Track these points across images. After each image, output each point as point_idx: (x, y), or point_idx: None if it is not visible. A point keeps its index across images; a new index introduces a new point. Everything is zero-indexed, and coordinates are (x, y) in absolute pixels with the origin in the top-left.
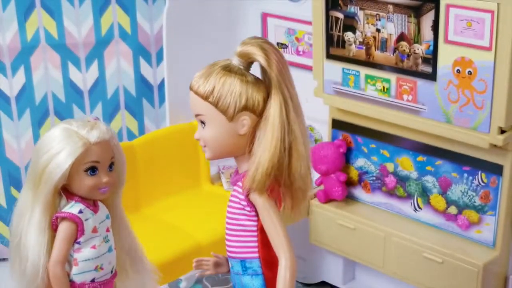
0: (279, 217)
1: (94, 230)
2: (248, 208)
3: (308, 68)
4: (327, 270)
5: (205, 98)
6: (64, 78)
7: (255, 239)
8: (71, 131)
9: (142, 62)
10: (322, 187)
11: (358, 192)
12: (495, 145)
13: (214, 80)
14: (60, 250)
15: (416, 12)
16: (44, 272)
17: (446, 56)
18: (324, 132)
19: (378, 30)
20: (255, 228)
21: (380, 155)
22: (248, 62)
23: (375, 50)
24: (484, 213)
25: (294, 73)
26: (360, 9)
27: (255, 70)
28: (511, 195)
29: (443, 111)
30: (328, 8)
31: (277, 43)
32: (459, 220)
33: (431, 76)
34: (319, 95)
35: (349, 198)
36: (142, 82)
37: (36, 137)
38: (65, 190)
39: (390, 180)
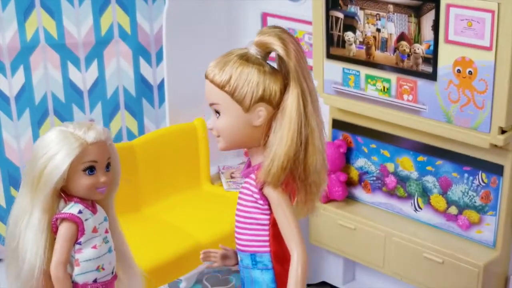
0: (293, 212)
1: (94, 230)
2: (261, 202)
3: (308, 68)
4: (327, 270)
5: (221, 87)
6: (63, 78)
7: (267, 233)
8: (67, 133)
9: (142, 62)
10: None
11: (359, 192)
12: (495, 145)
13: (231, 69)
14: (61, 251)
15: (417, 12)
16: (39, 273)
17: (447, 56)
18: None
19: (378, 30)
20: (267, 222)
21: (381, 155)
22: (266, 52)
23: (376, 50)
24: (484, 213)
25: None
26: (360, 9)
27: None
28: None
29: (444, 111)
30: (328, 8)
31: None
32: (459, 220)
33: (432, 76)
34: (319, 95)
35: (349, 198)
36: (142, 82)
37: (35, 137)
38: (63, 192)
39: (391, 180)
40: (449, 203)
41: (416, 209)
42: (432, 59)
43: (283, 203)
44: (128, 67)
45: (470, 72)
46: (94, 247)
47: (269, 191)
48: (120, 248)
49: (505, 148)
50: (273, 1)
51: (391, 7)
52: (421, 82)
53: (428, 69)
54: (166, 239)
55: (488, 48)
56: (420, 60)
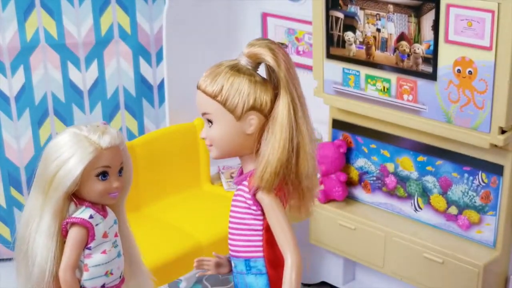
0: (286, 216)
1: (105, 235)
2: (254, 207)
3: (308, 68)
4: (327, 270)
5: (213, 97)
6: (63, 78)
7: (260, 238)
8: (81, 136)
9: (142, 62)
10: (322, 187)
11: (359, 192)
12: (495, 145)
13: (222, 79)
14: (70, 256)
15: (417, 11)
16: (50, 277)
17: (447, 56)
18: (324, 132)
19: (378, 30)
20: (260, 228)
21: (381, 155)
22: (256, 62)
23: (376, 50)
24: (484, 213)
25: None
26: (360, 8)
27: (261, 72)
28: None
29: (444, 111)
30: (328, 8)
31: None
32: (459, 220)
33: (432, 76)
34: (319, 95)
35: (350, 198)
36: (142, 82)
37: (35, 137)
38: (74, 196)
39: (391, 180)
40: (449, 203)
41: (416, 209)
42: (432, 59)
43: (276, 208)
44: (128, 67)
45: (470, 72)
46: (104, 252)
47: (262, 197)
48: (129, 251)
49: (505, 148)
50: (273, 1)
51: (391, 7)
52: (421, 82)
53: (428, 69)
54: (166, 239)
55: (488, 48)
56: (420, 60)
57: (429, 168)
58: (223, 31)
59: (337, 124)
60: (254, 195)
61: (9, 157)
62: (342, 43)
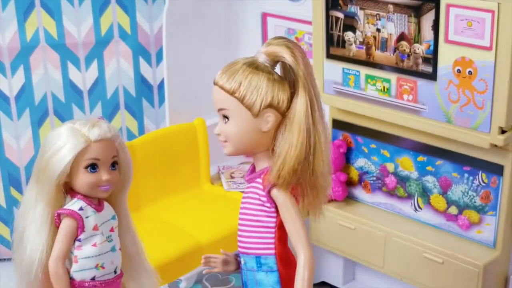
0: (300, 215)
1: (95, 228)
2: (268, 205)
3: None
4: (327, 270)
5: (231, 93)
6: (63, 78)
7: (273, 235)
8: (74, 129)
9: (142, 62)
10: None
11: (359, 192)
12: (495, 145)
13: (241, 76)
14: (60, 247)
15: (416, 11)
16: (39, 266)
17: (447, 56)
18: None
19: (378, 30)
20: (273, 225)
21: (381, 155)
22: (274, 60)
23: (375, 50)
24: (484, 213)
25: None
26: (360, 8)
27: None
28: None
29: (444, 111)
30: (328, 8)
31: None
32: (459, 220)
33: (432, 76)
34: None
35: (350, 198)
36: (142, 82)
37: (35, 137)
38: (71, 190)
39: (391, 180)
40: (449, 203)
41: (416, 209)
42: (432, 59)
43: (290, 205)
44: (128, 67)
45: (470, 72)
46: (94, 245)
47: (277, 194)
48: (130, 249)
49: (505, 148)
50: (273, 1)
51: (391, 7)
52: (421, 82)
53: (428, 69)
54: (166, 239)
55: (488, 48)
56: (420, 60)
57: (429, 168)
58: (223, 31)
59: (337, 124)
60: (268, 192)
61: (9, 157)
62: (342, 43)
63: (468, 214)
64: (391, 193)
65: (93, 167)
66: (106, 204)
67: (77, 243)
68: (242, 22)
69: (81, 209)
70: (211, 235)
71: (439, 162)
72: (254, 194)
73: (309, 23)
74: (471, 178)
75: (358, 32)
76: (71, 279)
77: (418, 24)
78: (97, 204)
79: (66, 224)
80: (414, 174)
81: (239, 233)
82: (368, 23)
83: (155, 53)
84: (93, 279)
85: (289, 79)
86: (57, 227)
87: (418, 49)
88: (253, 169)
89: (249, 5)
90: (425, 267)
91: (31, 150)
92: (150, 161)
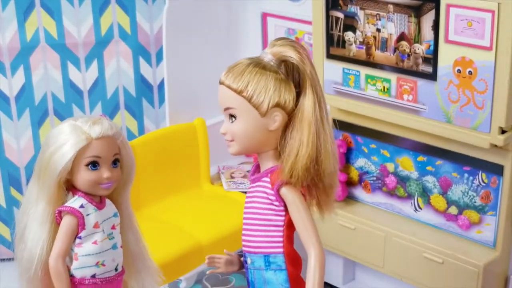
0: (309, 213)
1: (96, 226)
2: (276, 203)
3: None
4: (327, 270)
5: (239, 92)
6: (63, 78)
7: (281, 234)
8: (76, 126)
9: (142, 62)
10: None
11: (359, 192)
12: (495, 145)
13: (248, 75)
14: (61, 244)
15: (417, 12)
16: (39, 263)
17: (447, 56)
18: None
19: (378, 30)
20: (282, 223)
21: (381, 155)
22: (280, 60)
23: (376, 50)
24: (484, 213)
25: None
26: (360, 8)
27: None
28: None
29: (444, 111)
30: (328, 8)
31: None
32: (459, 220)
33: (432, 76)
34: None
35: (350, 198)
36: (142, 82)
37: (35, 137)
38: (72, 187)
39: (391, 180)
40: (449, 203)
41: (416, 209)
42: (432, 59)
43: (299, 204)
44: (128, 67)
45: (470, 72)
46: (95, 242)
47: (286, 192)
48: (132, 247)
49: (505, 148)
50: (273, 1)
51: (391, 7)
52: (421, 82)
53: (428, 69)
54: (166, 239)
55: (488, 48)
56: (420, 60)
57: (429, 168)
58: (223, 31)
59: (337, 124)
60: (277, 190)
61: (9, 157)
62: (342, 43)
63: (468, 214)
64: (391, 193)
65: (94, 164)
66: (108, 201)
67: (77, 241)
68: (242, 22)
69: (82, 206)
70: (211, 235)
71: (439, 162)
72: (261, 193)
73: (309, 23)
74: (471, 178)
75: (358, 32)
76: (71, 276)
77: (418, 24)
78: (99, 202)
79: (67, 222)
80: (414, 174)
81: (245, 232)
82: (368, 23)
83: (155, 53)
84: (93, 276)
85: (293, 79)
86: (58, 224)
87: (418, 49)
88: (256, 169)
89: (249, 5)
90: (425, 267)
91: (31, 150)
92: (150, 161)
